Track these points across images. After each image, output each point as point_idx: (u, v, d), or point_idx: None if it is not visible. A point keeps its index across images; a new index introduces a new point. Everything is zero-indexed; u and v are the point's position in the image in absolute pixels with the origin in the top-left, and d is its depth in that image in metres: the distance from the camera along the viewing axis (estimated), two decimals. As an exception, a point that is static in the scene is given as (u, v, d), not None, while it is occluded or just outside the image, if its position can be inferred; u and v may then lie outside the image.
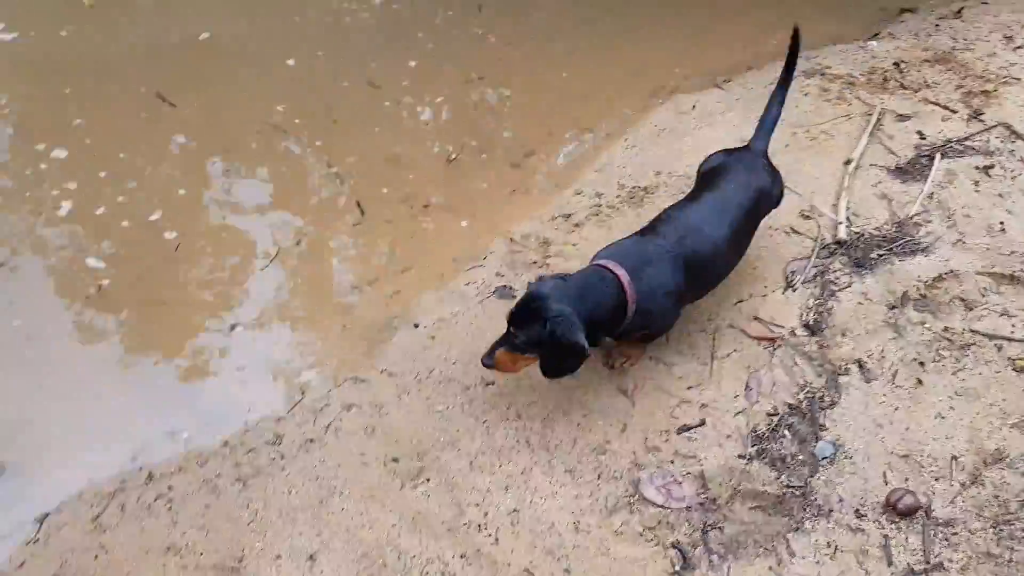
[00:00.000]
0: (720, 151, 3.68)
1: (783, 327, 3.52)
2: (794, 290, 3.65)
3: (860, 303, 3.57)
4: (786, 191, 4.00)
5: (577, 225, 4.04)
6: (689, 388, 3.35)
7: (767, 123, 3.66)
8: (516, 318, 3.06)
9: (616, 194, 4.17)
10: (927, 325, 3.45)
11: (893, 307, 3.54)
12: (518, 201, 4.21)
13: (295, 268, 3.88)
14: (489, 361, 3.10)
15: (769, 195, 3.56)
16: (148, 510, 3.03)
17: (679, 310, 3.37)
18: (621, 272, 3.13)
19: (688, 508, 2.99)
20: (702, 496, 3.02)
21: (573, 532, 2.96)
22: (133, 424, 3.31)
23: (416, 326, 3.63)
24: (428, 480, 3.12)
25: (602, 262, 3.18)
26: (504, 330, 3.07)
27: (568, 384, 3.33)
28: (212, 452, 3.23)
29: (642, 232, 3.34)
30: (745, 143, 3.66)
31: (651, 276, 3.17)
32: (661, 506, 3.01)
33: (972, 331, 3.40)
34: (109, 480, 3.15)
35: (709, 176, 3.55)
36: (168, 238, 3.92)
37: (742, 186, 3.44)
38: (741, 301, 3.62)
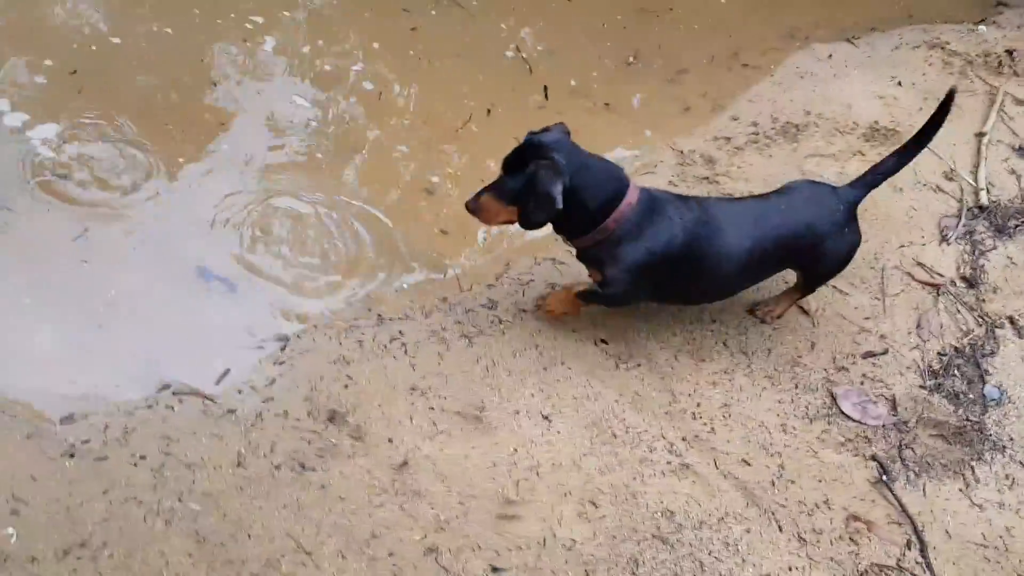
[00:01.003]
0: (807, 179, 3.34)
1: (943, 276, 3.76)
2: (948, 244, 3.89)
3: (1007, 265, 3.84)
4: (927, 152, 4.23)
5: (738, 149, 4.17)
6: (866, 319, 3.56)
7: (873, 175, 3.22)
8: (510, 163, 2.86)
9: (771, 126, 4.32)
10: (1068, 298, 3.76)
11: (1035, 275, 3.83)
12: (681, 116, 4.31)
13: (486, 136, 3.90)
14: (474, 204, 2.89)
15: (821, 242, 3.11)
16: (385, 350, 3.07)
17: (642, 283, 3.03)
18: (634, 192, 2.91)
19: (883, 427, 3.22)
20: (894, 417, 3.26)
21: (781, 432, 3.15)
22: (355, 265, 3.32)
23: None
24: (639, 365, 3.25)
25: (628, 177, 2.95)
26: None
27: (754, 299, 3.50)
28: (433, 306, 3.27)
29: (681, 195, 3.11)
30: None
31: (654, 223, 2.92)
32: (858, 421, 3.22)
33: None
34: (340, 315, 3.17)
35: (777, 191, 3.22)
36: (368, 88, 3.88)
37: (792, 213, 3.09)
38: (903, 246, 3.84)
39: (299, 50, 3.95)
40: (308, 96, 3.82)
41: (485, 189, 2.90)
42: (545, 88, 4.12)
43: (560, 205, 2.77)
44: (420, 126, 3.86)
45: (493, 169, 3.77)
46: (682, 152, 4.07)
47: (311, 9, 4.20)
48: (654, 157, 4.05)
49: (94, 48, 3.87)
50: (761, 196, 3.23)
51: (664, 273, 3.00)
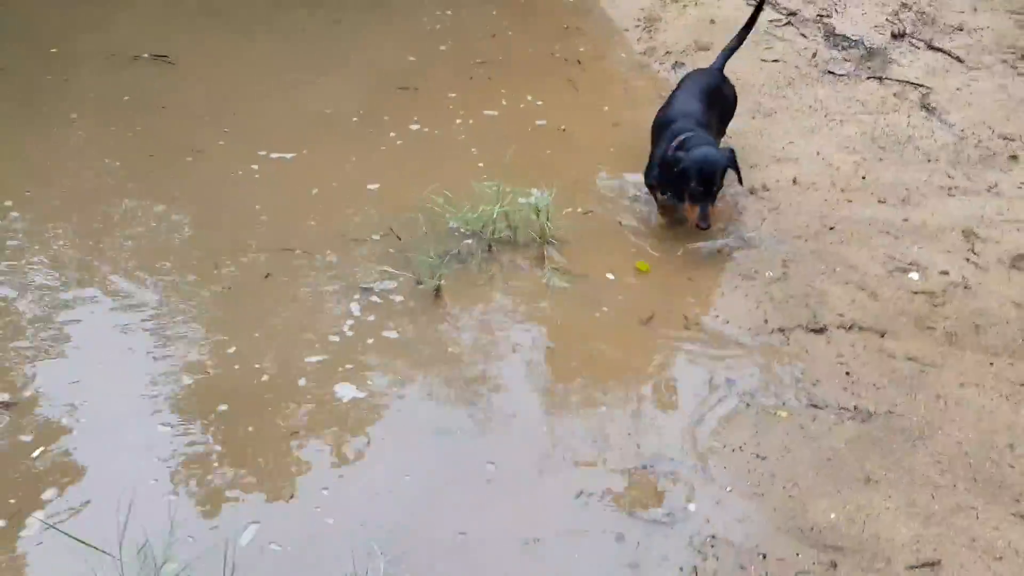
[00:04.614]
0: (694, 70, 5.31)
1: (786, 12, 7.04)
2: None
3: (786, -3, 7.25)
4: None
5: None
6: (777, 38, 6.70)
7: (727, 51, 5.11)
8: (705, 184, 4.28)
9: None
10: None
11: None
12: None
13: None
14: (707, 223, 4.34)
15: (721, 93, 5.00)
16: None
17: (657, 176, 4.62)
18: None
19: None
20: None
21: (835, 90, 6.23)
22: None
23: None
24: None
25: (687, 128, 4.52)
26: (692, 203, 4.37)
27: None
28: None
29: (668, 112, 4.79)
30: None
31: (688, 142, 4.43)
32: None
33: None
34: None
35: (682, 82, 5.07)
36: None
37: (700, 83, 4.93)
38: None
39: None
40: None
41: (703, 208, 4.33)
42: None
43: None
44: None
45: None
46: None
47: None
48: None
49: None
50: (680, 87, 5.07)
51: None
